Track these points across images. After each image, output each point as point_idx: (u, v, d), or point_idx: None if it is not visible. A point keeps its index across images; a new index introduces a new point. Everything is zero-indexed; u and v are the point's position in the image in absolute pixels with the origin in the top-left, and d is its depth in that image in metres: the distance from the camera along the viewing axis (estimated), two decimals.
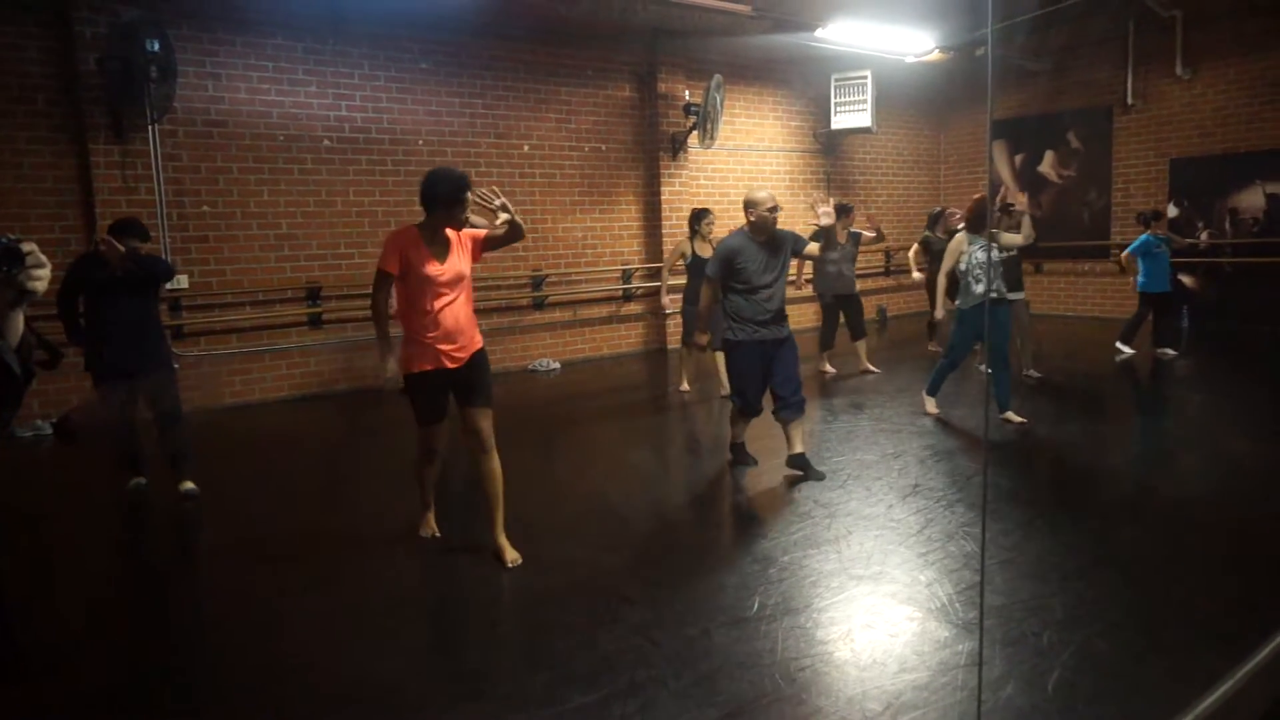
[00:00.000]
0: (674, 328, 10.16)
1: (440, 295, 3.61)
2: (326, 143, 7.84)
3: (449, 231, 3.67)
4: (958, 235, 5.85)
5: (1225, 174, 10.35)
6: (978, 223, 5.81)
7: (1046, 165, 12.05)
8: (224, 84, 7.32)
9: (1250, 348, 8.94)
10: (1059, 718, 2.49)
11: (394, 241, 3.65)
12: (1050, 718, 2.49)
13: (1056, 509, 4.21)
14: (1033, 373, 7.37)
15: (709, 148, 9.90)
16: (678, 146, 9.87)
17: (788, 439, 4.84)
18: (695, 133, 9.66)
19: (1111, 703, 2.55)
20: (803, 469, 4.79)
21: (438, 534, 4.03)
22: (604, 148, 9.62)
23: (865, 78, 10.58)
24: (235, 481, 5.27)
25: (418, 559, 3.92)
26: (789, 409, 4.76)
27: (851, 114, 10.82)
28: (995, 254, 6.11)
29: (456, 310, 3.65)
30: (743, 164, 10.76)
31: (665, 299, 7.68)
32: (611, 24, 8.95)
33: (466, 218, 3.65)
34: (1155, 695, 2.55)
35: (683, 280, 7.39)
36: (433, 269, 3.61)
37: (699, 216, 7.30)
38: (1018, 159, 12.27)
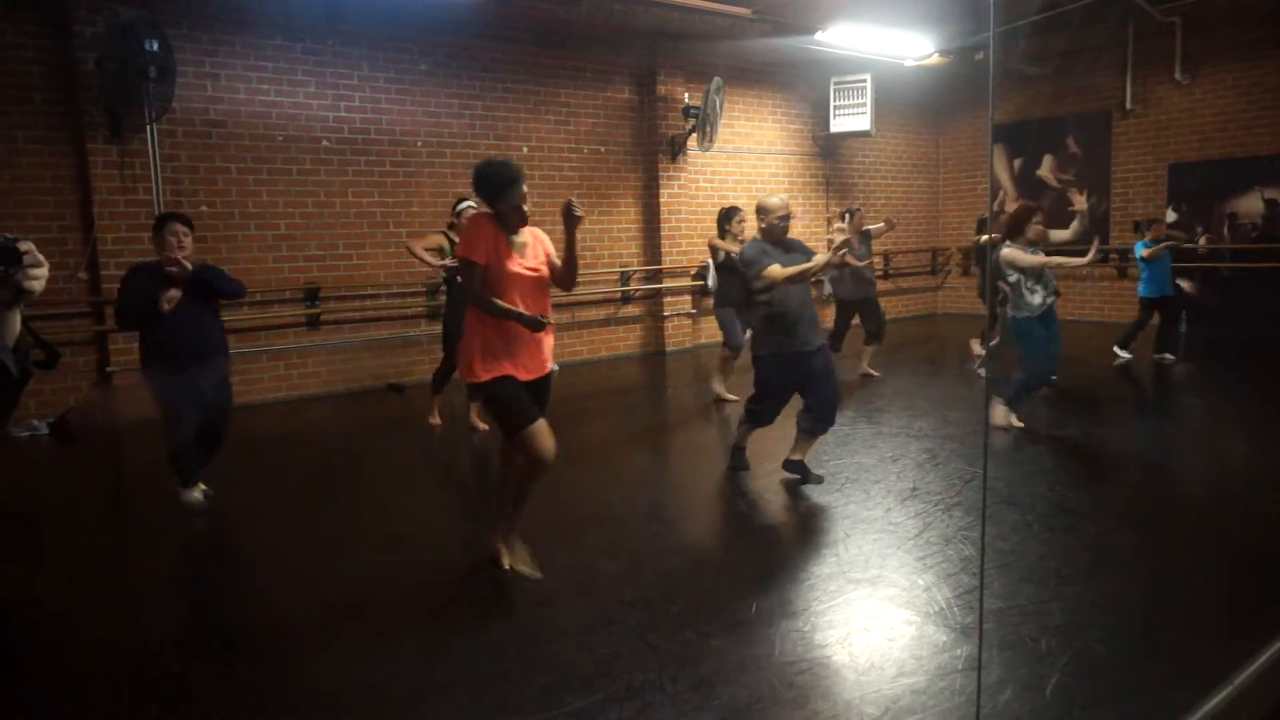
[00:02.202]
0: (671, 330, 10.17)
1: (523, 294, 3.32)
2: (325, 143, 7.83)
3: (527, 230, 3.43)
4: (1006, 249, 5.65)
5: (1223, 179, 10.37)
6: (1018, 230, 5.67)
7: (1045, 169, 12.06)
8: (223, 84, 7.31)
9: (1248, 353, 8.95)
10: None
11: (480, 228, 3.31)
12: None
13: (1054, 513, 4.21)
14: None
15: (708, 150, 9.90)
16: (677, 149, 9.87)
17: (796, 444, 4.78)
18: (694, 135, 9.67)
19: (1110, 708, 2.55)
20: (800, 474, 4.77)
21: (539, 574, 3.58)
22: (603, 150, 9.62)
23: (864, 81, 10.59)
24: (232, 482, 5.25)
25: (414, 560, 3.90)
26: (820, 422, 4.68)
27: (851, 117, 10.83)
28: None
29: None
30: (741, 167, 10.76)
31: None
32: (611, 26, 8.95)
33: (523, 205, 3.35)
34: (1154, 700, 2.54)
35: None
36: (514, 264, 3.32)
37: (728, 215, 7.06)
38: (1016, 163, 12.28)
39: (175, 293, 4.18)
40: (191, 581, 3.88)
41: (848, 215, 7.62)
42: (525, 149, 8.99)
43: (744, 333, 6.64)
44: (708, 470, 5.28)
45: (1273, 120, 9.99)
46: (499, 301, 3.26)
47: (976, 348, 8.58)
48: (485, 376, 3.32)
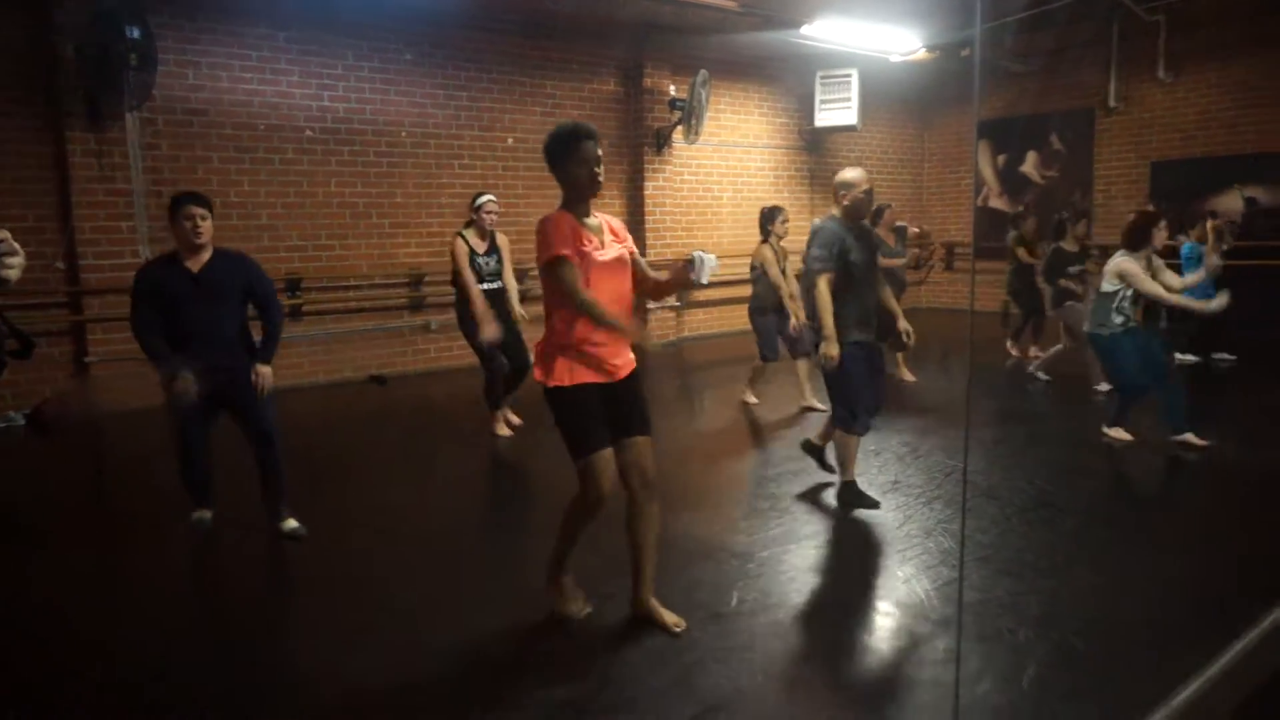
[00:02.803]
0: (655, 323, 10.16)
1: (603, 282, 2.90)
2: (308, 133, 7.77)
3: (601, 216, 3.05)
4: (1118, 259, 5.26)
5: (1204, 177, 10.45)
6: (1142, 239, 5.24)
7: (1029, 166, 12.13)
8: (205, 72, 7.23)
9: (1228, 349, 9.02)
10: (1034, 714, 2.51)
11: (558, 223, 2.89)
12: (1025, 714, 2.51)
13: (1033, 507, 4.24)
14: (1041, 375, 7.35)
15: (694, 143, 9.90)
16: (662, 142, 9.86)
17: (825, 430, 4.60)
18: (680, 128, 9.66)
19: (1086, 699, 2.58)
20: (817, 457, 4.69)
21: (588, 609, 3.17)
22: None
23: (850, 75, 10.60)
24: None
25: (398, 557, 3.89)
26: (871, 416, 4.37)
27: (836, 111, 10.85)
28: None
29: (623, 305, 2.97)
30: (727, 160, 10.76)
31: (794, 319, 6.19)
32: (598, 18, 8.92)
33: (598, 175, 2.93)
34: (1129, 691, 2.57)
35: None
36: (592, 248, 2.91)
37: (771, 216, 6.38)
38: (1000, 159, 12.34)
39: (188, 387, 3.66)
40: (170, 574, 3.84)
41: (876, 214, 7.17)
42: (510, 140, 8.96)
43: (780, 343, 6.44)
44: (689, 463, 5.29)
45: (1253, 119, 10.09)
46: (603, 314, 2.82)
47: (1014, 349, 8.54)
48: (556, 381, 2.90)
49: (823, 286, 4.03)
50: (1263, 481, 4.77)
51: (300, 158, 7.76)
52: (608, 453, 2.91)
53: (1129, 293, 5.28)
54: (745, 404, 6.73)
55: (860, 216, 4.15)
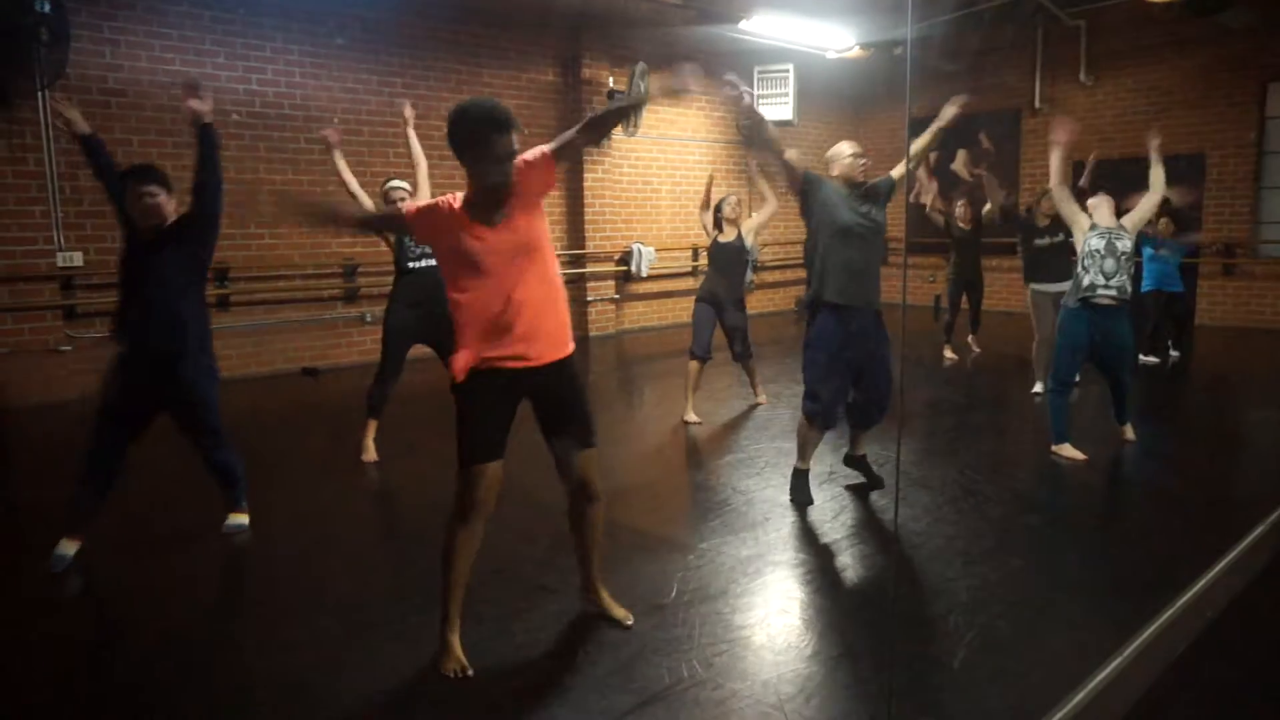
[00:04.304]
0: (595, 315, 10.14)
1: (489, 278, 2.61)
2: (235, 117, 7.51)
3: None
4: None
5: (1122, 178, 10.83)
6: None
7: (959, 164, 12.42)
8: (123, 51, 6.93)
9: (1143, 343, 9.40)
10: (965, 695, 2.58)
11: (436, 203, 2.70)
12: (957, 695, 2.58)
13: (963, 496, 4.36)
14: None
15: (632, 136, 9.90)
16: None
17: (851, 440, 4.50)
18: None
19: (1013, 679, 2.66)
20: (864, 472, 4.47)
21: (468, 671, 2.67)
22: (526, 132, 9.39)
23: (787, 71, 10.72)
24: (142, 470, 5.02)
25: (330, 548, 3.80)
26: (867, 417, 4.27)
27: (773, 107, 10.95)
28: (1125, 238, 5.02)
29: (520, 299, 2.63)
30: (666, 153, 10.78)
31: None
32: (534, 7, 8.83)
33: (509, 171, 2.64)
34: (1054, 671, 2.66)
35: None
36: (476, 242, 2.61)
37: (719, 206, 6.09)
38: (933, 157, 12.59)
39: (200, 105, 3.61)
40: (94, 576, 3.68)
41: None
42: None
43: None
44: (626, 455, 5.29)
45: (1167, 122, 10.52)
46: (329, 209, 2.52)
47: (951, 352, 8.23)
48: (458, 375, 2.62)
49: (792, 153, 4.07)
50: (1182, 473, 4.99)
51: (227, 143, 7.47)
52: (492, 468, 2.65)
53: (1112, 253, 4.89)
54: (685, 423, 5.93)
55: (855, 183, 4.08)
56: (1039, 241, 6.74)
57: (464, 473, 2.65)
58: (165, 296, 3.55)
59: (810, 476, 4.33)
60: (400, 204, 5.10)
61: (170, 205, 3.65)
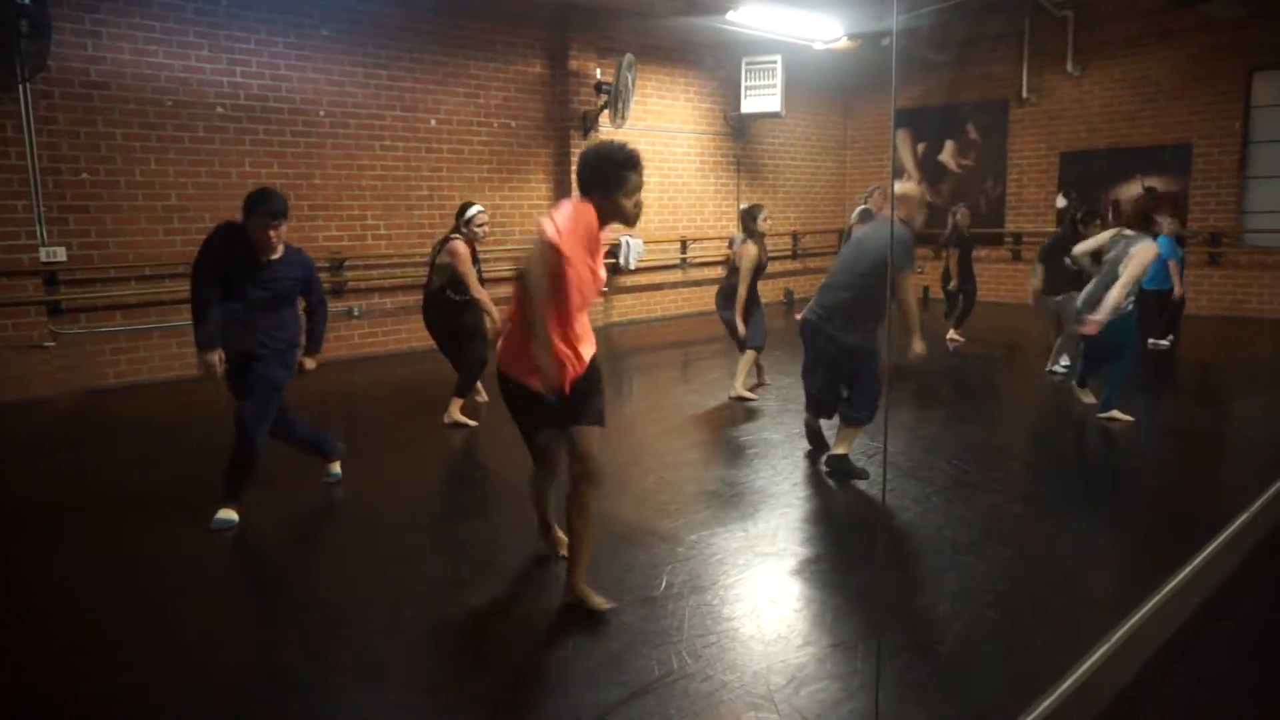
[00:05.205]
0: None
1: (586, 291, 2.93)
2: (220, 110, 7.45)
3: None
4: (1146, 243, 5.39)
5: (1109, 167, 10.93)
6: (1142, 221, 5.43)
7: (947, 154, 12.47)
8: (105, 43, 6.85)
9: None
10: (952, 684, 2.59)
11: (584, 214, 2.84)
12: (945, 684, 2.59)
13: (951, 485, 4.38)
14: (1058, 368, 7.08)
15: (620, 127, 9.85)
16: (589, 125, 9.79)
17: (836, 437, 4.63)
18: (606, 111, 9.60)
19: (1001, 667, 2.67)
20: (845, 472, 4.50)
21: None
22: (513, 124, 9.46)
23: (775, 62, 10.71)
24: (124, 465, 4.99)
25: (320, 547, 3.79)
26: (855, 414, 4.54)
27: (761, 98, 10.94)
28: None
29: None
30: (654, 145, 10.75)
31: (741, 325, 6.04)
32: None
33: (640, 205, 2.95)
34: (1041, 659, 2.68)
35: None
36: (597, 263, 2.97)
37: (753, 214, 6.07)
38: (920, 147, 12.65)
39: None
40: (72, 575, 3.66)
41: (867, 196, 7.21)
42: (433, 121, 8.77)
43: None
44: (616, 448, 5.28)
45: (1153, 112, 10.58)
46: (548, 335, 2.76)
47: (958, 334, 8.48)
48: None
49: (908, 286, 4.50)
50: (1169, 463, 5.02)
51: (212, 136, 7.43)
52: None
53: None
54: (742, 398, 6.17)
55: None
56: (1088, 268, 6.72)
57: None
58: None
59: (800, 470, 4.32)
60: (483, 227, 5.53)
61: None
